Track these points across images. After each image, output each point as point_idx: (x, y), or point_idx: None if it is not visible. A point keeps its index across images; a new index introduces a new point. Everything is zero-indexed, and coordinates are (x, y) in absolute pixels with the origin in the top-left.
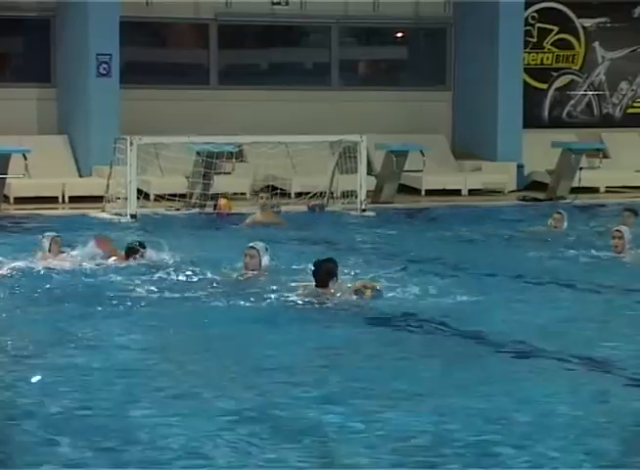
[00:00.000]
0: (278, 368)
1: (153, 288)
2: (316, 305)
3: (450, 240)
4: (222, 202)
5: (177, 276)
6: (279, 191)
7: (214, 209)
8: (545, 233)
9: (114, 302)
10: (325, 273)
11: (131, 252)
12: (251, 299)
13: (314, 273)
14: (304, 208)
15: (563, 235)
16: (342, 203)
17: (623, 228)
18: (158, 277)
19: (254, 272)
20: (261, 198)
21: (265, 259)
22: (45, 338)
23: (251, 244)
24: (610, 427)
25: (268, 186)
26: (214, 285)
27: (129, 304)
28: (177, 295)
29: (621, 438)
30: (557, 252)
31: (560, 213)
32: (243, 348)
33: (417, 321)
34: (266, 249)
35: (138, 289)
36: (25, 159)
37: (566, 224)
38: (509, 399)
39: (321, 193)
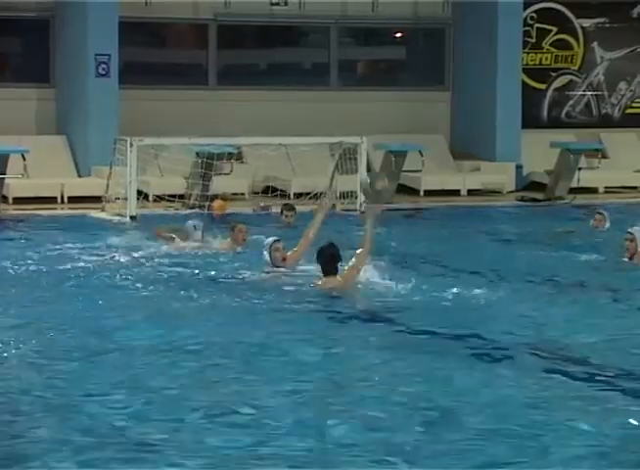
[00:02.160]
0: None
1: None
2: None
3: (450, 239)
4: (216, 204)
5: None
6: (279, 192)
7: (208, 209)
8: (588, 233)
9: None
10: (330, 258)
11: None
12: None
13: (319, 260)
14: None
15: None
16: (342, 203)
17: (635, 229)
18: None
19: (285, 264)
20: (286, 216)
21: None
22: None
23: (273, 238)
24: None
25: (268, 187)
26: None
27: None
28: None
29: None
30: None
31: (601, 214)
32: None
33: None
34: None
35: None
36: (24, 159)
37: (608, 224)
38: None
39: (321, 193)
